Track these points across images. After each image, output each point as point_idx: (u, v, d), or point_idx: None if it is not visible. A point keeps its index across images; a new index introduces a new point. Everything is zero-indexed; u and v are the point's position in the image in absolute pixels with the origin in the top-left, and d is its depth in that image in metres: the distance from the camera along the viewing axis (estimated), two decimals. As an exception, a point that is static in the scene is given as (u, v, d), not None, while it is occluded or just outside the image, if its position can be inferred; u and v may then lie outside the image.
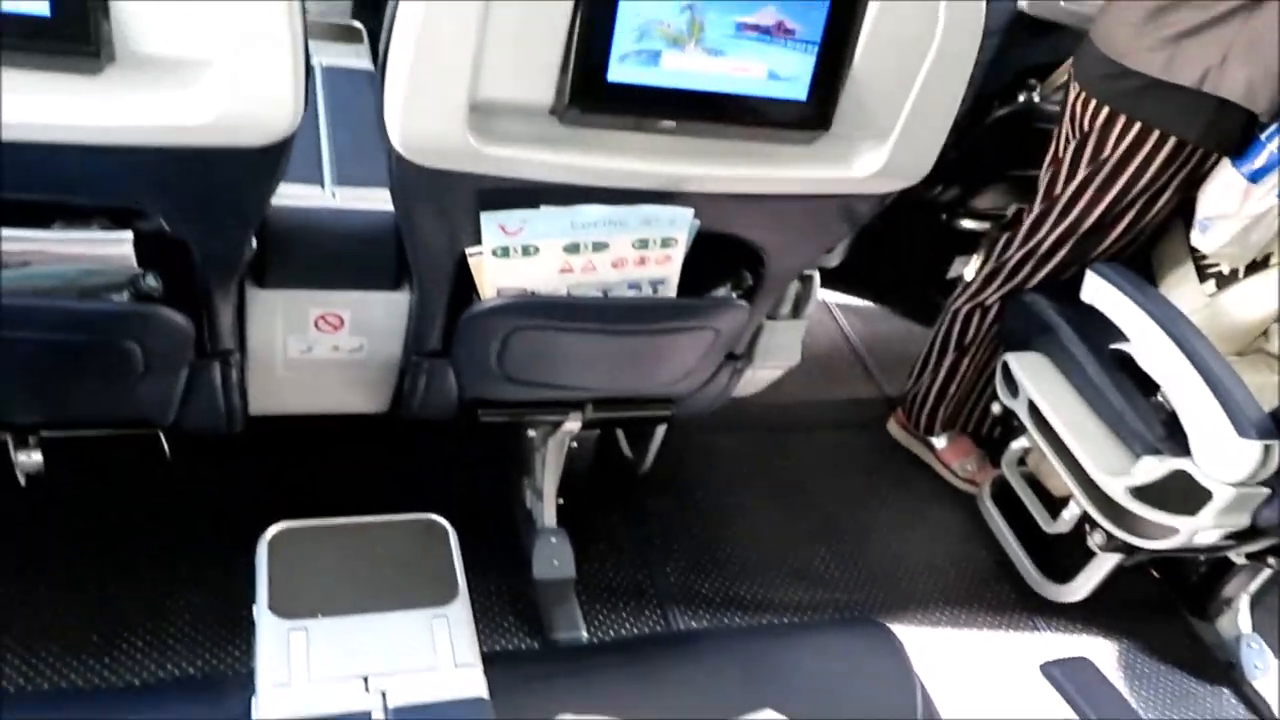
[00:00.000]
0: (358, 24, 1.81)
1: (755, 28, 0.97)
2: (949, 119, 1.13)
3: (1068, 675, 1.09)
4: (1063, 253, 1.83)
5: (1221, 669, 1.94)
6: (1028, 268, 1.89)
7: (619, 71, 0.96)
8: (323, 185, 1.34)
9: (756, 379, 1.64)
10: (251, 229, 1.12)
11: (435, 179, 1.03)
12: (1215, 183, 1.64)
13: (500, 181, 1.05)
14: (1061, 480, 1.77)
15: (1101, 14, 1.69)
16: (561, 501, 1.71)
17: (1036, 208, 1.86)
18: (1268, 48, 1.50)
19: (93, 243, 1.04)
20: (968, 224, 2.50)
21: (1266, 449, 1.45)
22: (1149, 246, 1.84)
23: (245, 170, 0.99)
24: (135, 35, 0.85)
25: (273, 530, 1.00)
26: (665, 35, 0.96)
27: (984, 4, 1.05)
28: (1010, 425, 1.94)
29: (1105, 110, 1.67)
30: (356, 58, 1.70)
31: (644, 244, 1.18)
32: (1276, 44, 1.50)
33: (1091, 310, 1.71)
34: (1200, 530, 1.56)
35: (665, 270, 1.22)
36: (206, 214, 1.05)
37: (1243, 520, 1.56)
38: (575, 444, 1.65)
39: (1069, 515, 1.81)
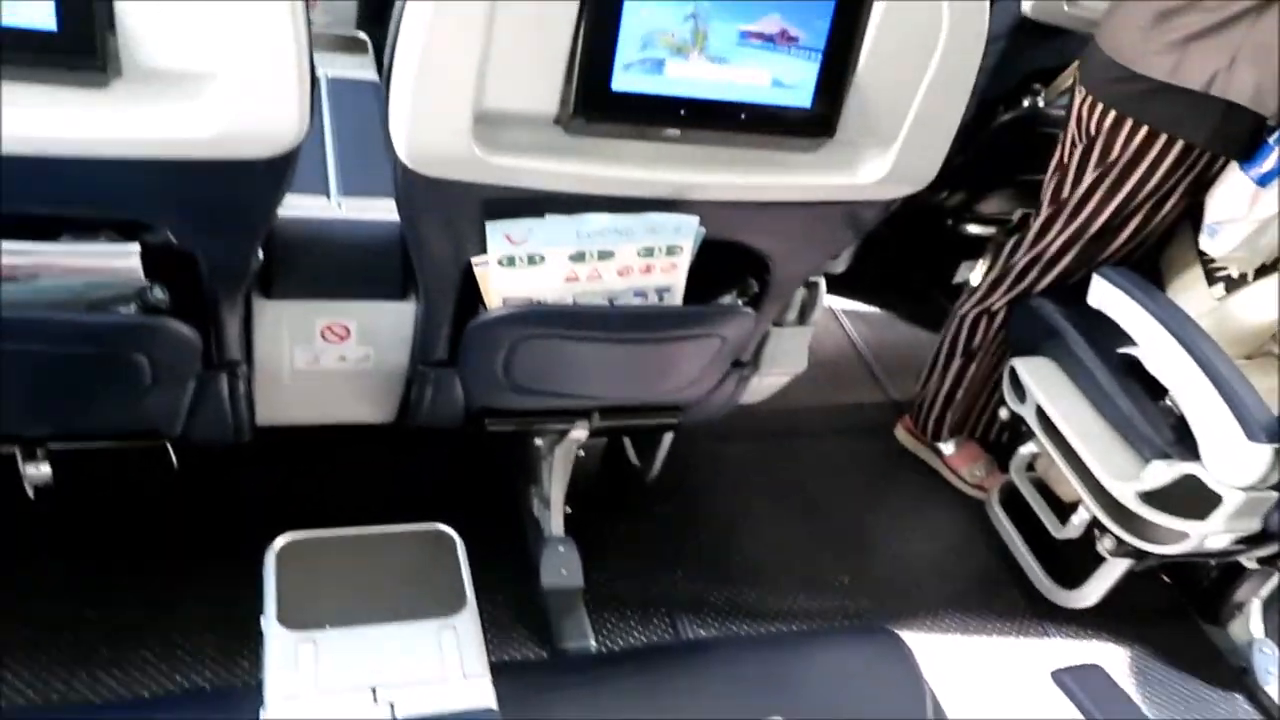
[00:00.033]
0: (363, 35, 1.82)
1: (759, 36, 0.98)
2: (954, 125, 1.13)
3: (1079, 682, 1.08)
4: (1070, 257, 1.82)
5: (1234, 674, 1.92)
6: (1034, 272, 1.88)
7: (623, 81, 0.96)
8: (328, 196, 1.34)
9: (763, 386, 1.64)
10: (258, 240, 1.13)
11: (441, 189, 1.03)
12: (1223, 187, 1.64)
13: (505, 191, 1.05)
14: (1070, 485, 1.76)
15: (1108, 18, 1.68)
16: (569, 510, 1.71)
17: (1043, 212, 1.86)
18: (1276, 51, 1.50)
19: (100, 256, 1.05)
20: (973, 229, 2.50)
21: (1277, 453, 1.45)
22: (1156, 250, 1.84)
23: (252, 182, 0.99)
24: (141, 49, 0.85)
25: (281, 541, 1.00)
26: (669, 44, 0.96)
27: (988, 9, 1.05)
28: (1018, 430, 1.93)
29: (1112, 114, 1.67)
30: (361, 69, 1.71)
31: (649, 252, 1.18)
32: (1284, 47, 1.49)
33: (1099, 315, 1.70)
34: (1210, 535, 1.56)
35: (671, 278, 1.22)
36: (213, 226, 1.06)
37: (1253, 524, 1.55)
38: (582, 452, 1.64)
39: (1078, 520, 1.80)
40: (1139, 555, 1.70)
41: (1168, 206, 1.71)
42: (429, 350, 1.32)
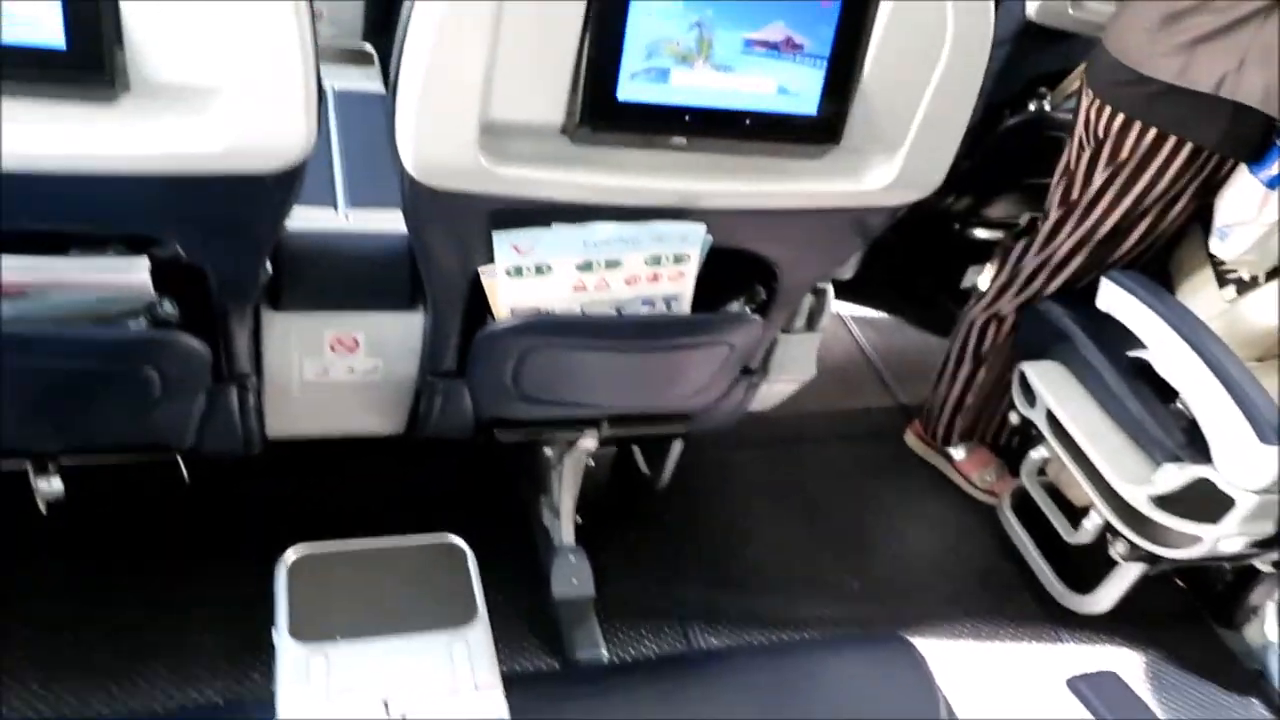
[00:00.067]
0: (368, 47, 1.83)
1: (764, 44, 0.98)
2: (960, 130, 1.13)
3: (1094, 689, 1.08)
4: (1078, 260, 1.82)
5: (1250, 678, 1.91)
6: (1043, 276, 1.88)
7: (629, 90, 0.96)
8: (336, 208, 1.34)
9: (772, 393, 1.64)
10: (266, 253, 1.13)
11: (448, 200, 1.03)
12: (1233, 189, 1.63)
13: (512, 201, 1.05)
14: (1082, 490, 1.76)
15: (1115, 20, 1.68)
16: (579, 519, 1.71)
17: (1051, 215, 1.85)
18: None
19: (109, 270, 1.05)
20: (981, 233, 2.50)
21: (1290, 455, 1.44)
22: (1165, 253, 1.83)
23: (259, 196, 0.99)
24: (149, 64, 0.85)
25: (292, 554, 1.00)
26: (674, 53, 0.96)
27: (993, 13, 1.05)
28: (1029, 435, 1.92)
29: (1120, 117, 1.66)
30: (368, 81, 1.71)
31: (657, 260, 1.18)
32: (1292, 48, 1.49)
33: (1108, 318, 1.70)
34: (1224, 538, 1.55)
35: (678, 286, 1.22)
36: (222, 240, 1.06)
37: (1267, 527, 1.54)
38: (592, 461, 1.64)
39: (1090, 525, 1.79)
40: (1152, 559, 1.69)
41: (1177, 209, 1.71)
42: (437, 361, 1.32)
